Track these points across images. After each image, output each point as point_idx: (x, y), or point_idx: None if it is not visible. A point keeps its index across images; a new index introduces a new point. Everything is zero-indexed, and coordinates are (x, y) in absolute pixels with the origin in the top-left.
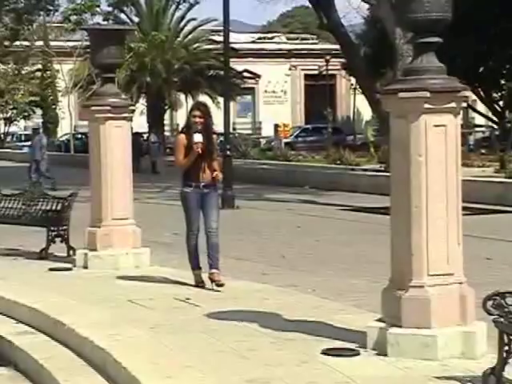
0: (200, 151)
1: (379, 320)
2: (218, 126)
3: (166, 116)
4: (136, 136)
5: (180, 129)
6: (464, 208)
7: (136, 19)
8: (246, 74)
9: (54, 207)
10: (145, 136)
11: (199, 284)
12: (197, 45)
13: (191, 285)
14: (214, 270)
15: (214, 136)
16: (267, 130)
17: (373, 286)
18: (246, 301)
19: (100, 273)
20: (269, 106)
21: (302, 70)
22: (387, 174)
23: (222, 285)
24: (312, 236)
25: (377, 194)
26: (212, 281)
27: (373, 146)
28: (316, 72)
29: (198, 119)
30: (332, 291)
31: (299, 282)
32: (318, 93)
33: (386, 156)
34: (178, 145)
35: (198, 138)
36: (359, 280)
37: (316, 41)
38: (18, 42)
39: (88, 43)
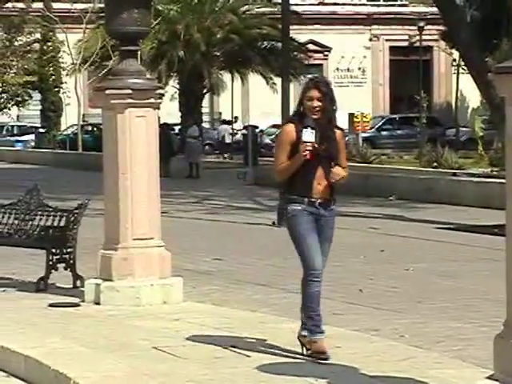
0: (308, 156)
1: (491, 377)
2: (275, 114)
3: (205, 102)
4: (164, 128)
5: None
6: None
7: None
8: (311, 47)
9: (56, 223)
10: (176, 129)
11: (319, 357)
12: (246, 7)
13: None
14: (315, 335)
15: (339, 132)
16: (339, 121)
17: (482, 331)
18: None
19: (116, 310)
20: (342, 88)
21: (387, 40)
22: (501, 180)
23: (326, 358)
24: (400, 264)
25: (487, 208)
26: (307, 348)
27: (482, 143)
28: (406, 44)
29: (316, 103)
30: (427, 338)
31: (382, 325)
32: (408, 71)
33: (501, 156)
34: (281, 140)
35: (307, 135)
36: (463, 323)
37: (405, 2)
38: (9, 4)
39: (102, 5)
